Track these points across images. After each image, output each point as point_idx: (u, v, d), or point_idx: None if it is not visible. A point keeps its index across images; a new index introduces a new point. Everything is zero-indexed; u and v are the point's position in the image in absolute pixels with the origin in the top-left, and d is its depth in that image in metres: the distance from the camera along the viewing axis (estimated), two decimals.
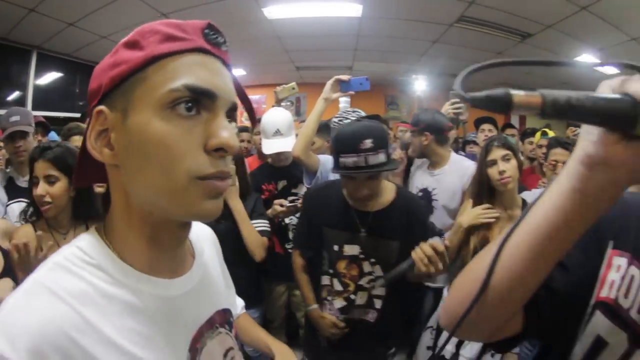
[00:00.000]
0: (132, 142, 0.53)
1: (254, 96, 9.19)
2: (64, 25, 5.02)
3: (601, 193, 0.49)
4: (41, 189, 1.54)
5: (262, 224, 2.16)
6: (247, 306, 2.17)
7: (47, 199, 1.54)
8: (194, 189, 0.54)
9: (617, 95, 0.44)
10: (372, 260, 1.71)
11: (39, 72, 5.86)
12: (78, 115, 6.10)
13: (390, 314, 1.78)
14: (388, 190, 1.75)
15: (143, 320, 0.56)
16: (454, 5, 4.82)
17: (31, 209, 1.65)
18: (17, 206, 2.16)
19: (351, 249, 1.71)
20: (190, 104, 0.53)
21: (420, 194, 2.65)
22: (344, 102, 3.81)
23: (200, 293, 0.67)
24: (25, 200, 1.97)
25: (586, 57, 6.21)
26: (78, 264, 0.55)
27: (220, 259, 0.85)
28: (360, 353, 1.83)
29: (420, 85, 8.01)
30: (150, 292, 0.58)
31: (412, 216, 1.68)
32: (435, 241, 1.44)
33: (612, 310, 0.63)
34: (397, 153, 3.05)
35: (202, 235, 0.76)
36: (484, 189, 2.06)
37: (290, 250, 2.31)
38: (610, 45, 5.55)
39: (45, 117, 3.85)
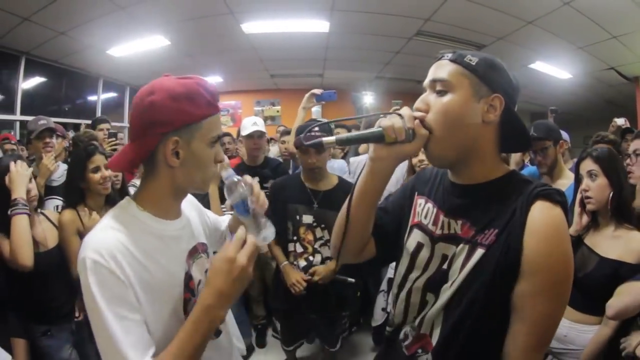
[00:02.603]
0: (193, 157, 1.02)
1: (230, 102, 9.39)
2: (55, 34, 5.22)
3: (378, 172, 1.00)
4: (102, 172, 2.16)
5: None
6: None
7: (113, 179, 2.21)
8: (210, 179, 1.11)
9: (376, 128, 0.94)
10: (322, 226, 2.37)
11: (27, 78, 5.99)
12: (63, 120, 6.27)
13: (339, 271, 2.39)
14: (333, 179, 2.45)
15: (161, 241, 1.05)
16: (412, 21, 5.26)
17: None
18: (50, 203, 2.61)
19: (307, 218, 2.38)
20: (215, 142, 1.06)
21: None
22: (315, 110, 4.43)
23: (187, 229, 1.17)
24: (59, 197, 2.45)
25: (539, 65, 6.65)
26: (121, 216, 1.02)
27: (200, 213, 1.35)
28: (320, 313, 2.47)
29: (368, 99, 9.32)
30: (163, 227, 1.08)
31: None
32: None
33: (420, 226, 1.11)
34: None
35: (186, 199, 1.21)
36: None
37: None
38: (559, 54, 6.04)
39: None
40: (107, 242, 0.93)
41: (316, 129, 2.17)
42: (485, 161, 0.98)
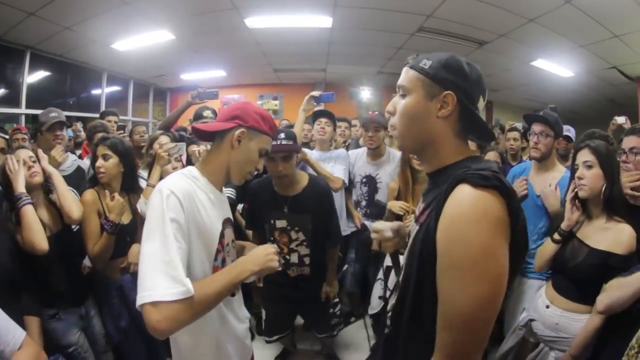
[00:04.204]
0: (247, 150, 1.45)
1: (233, 95, 9.37)
2: (60, 29, 5.28)
3: None
4: (99, 163, 2.32)
5: (228, 191, 2.73)
6: None
7: (102, 170, 2.30)
8: (244, 176, 1.50)
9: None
10: (296, 228, 2.49)
11: (31, 72, 6.06)
12: (68, 113, 6.35)
13: (317, 268, 2.58)
14: (303, 180, 2.52)
15: (211, 203, 1.41)
16: (413, 18, 5.29)
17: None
18: None
19: (280, 223, 2.49)
20: (263, 154, 1.50)
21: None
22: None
23: (224, 203, 1.56)
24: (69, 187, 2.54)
25: (541, 63, 6.67)
26: (188, 174, 1.40)
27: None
28: (307, 302, 2.62)
29: (365, 94, 9.53)
30: (213, 192, 1.45)
31: (319, 196, 2.48)
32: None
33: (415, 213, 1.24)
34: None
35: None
36: None
37: None
38: (561, 52, 6.06)
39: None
40: (180, 185, 1.30)
41: (282, 135, 2.29)
42: (442, 150, 1.06)
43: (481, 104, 1.06)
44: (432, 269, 0.92)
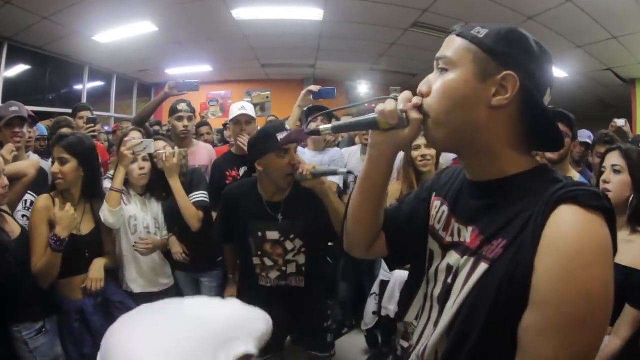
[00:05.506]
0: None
1: (220, 92, 9.27)
2: (39, 19, 5.06)
3: (376, 159, 0.94)
4: (55, 167, 2.02)
5: (200, 195, 2.48)
6: (207, 270, 2.63)
7: (60, 175, 2.01)
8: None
9: (370, 116, 0.88)
10: (292, 236, 2.09)
11: (9, 65, 5.86)
12: (47, 109, 6.13)
13: (314, 275, 2.16)
14: None
15: None
16: (409, 12, 5.19)
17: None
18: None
19: (272, 235, 2.08)
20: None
21: None
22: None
23: None
24: (29, 192, 2.27)
25: None
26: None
27: None
28: (300, 318, 2.20)
29: (363, 88, 8.99)
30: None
31: (310, 197, 1.99)
32: None
33: (433, 232, 0.97)
34: None
35: None
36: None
37: None
38: (558, 52, 5.85)
39: None
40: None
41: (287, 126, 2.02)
42: (498, 155, 0.80)
43: (547, 99, 0.81)
44: (516, 314, 0.69)
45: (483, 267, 0.76)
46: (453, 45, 0.79)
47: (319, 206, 2.00)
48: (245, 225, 2.11)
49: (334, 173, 1.91)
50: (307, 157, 3.09)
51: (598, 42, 5.43)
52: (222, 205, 2.24)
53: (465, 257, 0.81)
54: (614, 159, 1.74)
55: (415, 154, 2.44)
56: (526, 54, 0.76)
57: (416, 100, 0.83)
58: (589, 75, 7.07)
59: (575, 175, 2.33)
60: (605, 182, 1.74)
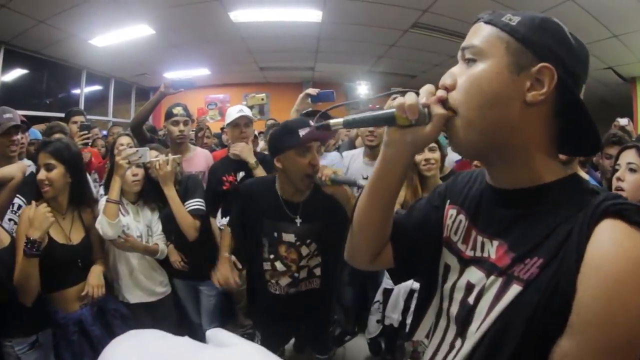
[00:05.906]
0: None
1: (218, 95, 9.22)
2: (35, 22, 4.99)
3: (392, 158, 0.83)
4: (41, 174, 1.94)
5: (196, 203, 2.41)
6: (206, 278, 2.52)
7: (46, 182, 1.93)
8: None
9: (388, 110, 0.78)
10: (308, 241, 1.99)
11: (6, 70, 5.77)
12: (45, 114, 6.07)
13: (326, 280, 2.09)
14: None
15: None
16: (409, 13, 5.10)
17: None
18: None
19: (288, 237, 1.97)
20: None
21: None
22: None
23: None
24: (18, 195, 2.21)
25: None
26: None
27: None
28: (306, 321, 2.16)
29: (363, 89, 8.77)
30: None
31: (330, 200, 1.86)
32: None
33: (449, 244, 0.89)
34: None
35: None
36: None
37: None
38: None
39: None
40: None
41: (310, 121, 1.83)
42: (532, 158, 0.72)
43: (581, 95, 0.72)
44: (549, 343, 0.62)
45: (515, 289, 0.68)
46: (481, 34, 0.72)
47: (339, 210, 1.86)
48: (260, 223, 2.00)
49: (354, 184, 1.73)
50: None
51: (599, 41, 5.34)
52: (238, 199, 2.15)
53: (493, 277, 0.73)
54: (630, 157, 1.70)
55: (418, 157, 2.32)
56: (563, 45, 0.69)
57: (441, 93, 0.74)
58: (590, 74, 6.80)
59: (584, 176, 2.24)
60: (619, 179, 1.70)
